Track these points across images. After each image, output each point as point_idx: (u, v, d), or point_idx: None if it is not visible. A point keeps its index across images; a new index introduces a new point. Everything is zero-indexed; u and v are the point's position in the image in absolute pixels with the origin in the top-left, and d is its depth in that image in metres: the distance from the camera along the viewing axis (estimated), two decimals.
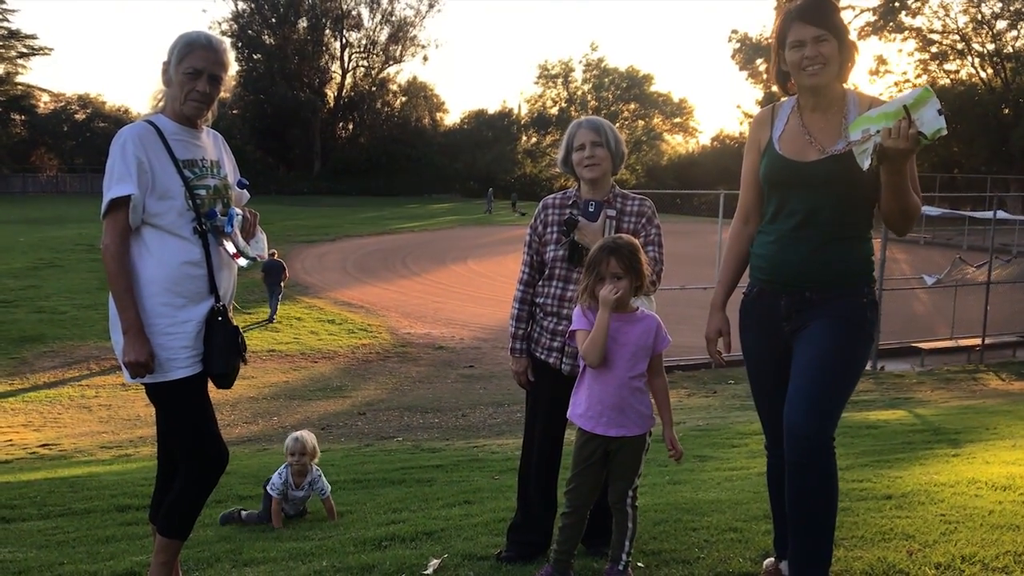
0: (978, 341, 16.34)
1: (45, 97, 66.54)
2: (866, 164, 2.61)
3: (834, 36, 2.77)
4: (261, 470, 5.76)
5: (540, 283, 3.66)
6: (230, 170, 3.37)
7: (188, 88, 3.10)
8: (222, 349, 3.14)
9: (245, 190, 3.44)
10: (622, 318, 3.10)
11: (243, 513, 5.11)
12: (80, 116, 67.19)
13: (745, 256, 3.13)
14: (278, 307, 19.65)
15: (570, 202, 3.64)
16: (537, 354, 3.68)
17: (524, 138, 74.37)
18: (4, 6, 60.90)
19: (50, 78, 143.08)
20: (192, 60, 3.08)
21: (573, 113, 74.07)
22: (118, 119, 61.44)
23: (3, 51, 62.34)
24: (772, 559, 3.26)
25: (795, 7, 2.84)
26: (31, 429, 11.53)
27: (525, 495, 3.77)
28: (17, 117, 64.73)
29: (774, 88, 3.08)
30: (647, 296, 3.39)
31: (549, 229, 3.63)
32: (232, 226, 3.20)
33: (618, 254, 3.06)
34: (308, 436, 5.24)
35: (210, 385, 3.25)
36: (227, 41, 3.33)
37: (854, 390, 2.91)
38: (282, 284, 19.65)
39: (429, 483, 6.25)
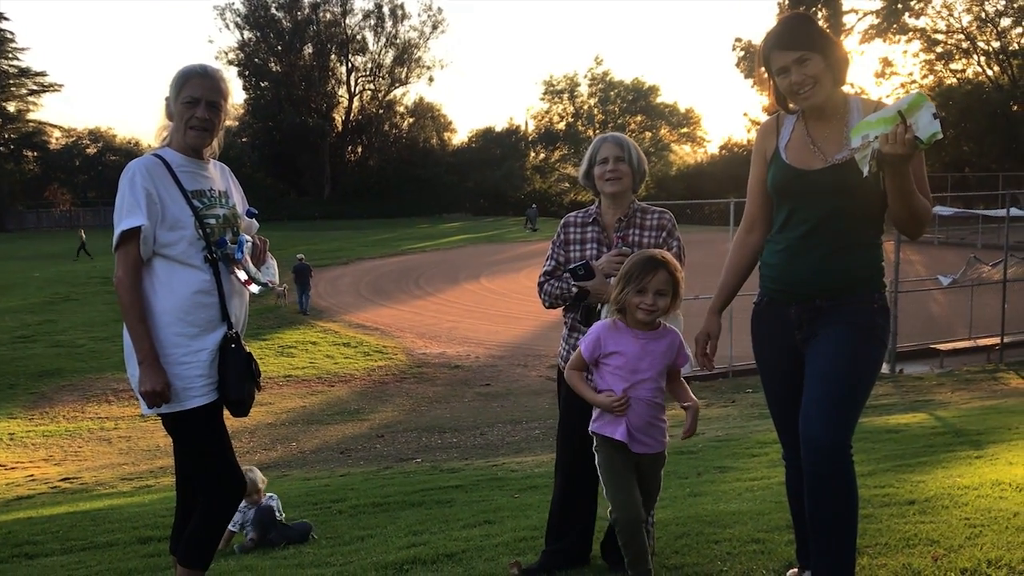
0: (997, 340, 16.20)
1: (56, 133, 67.16)
2: (866, 170, 2.61)
3: (816, 51, 2.74)
4: (281, 496, 5.75)
5: None
6: (238, 200, 3.40)
7: (187, 116, 3.15)
8: (236, 376, 3.16)
9: (254, 220, 3.46)
10: (647, 336, 3.04)
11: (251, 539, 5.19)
12: (91, 150, 67.74)
13: (747, 265, 3.12)
14: (309, 301, 23.45)
15: (591, 219, 3.64)
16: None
17: (532, 154, 74.44)
18: (14, 45, 61.68)
19: (61, 114, 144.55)
20: (189, 89, 3.14)
21: (580, 127, 74.17)
22: (129, 152, 61.92)
23: (14, 89, 63.03)
24: (795, 570, 3.23)
25: (770, 35, 2.83)
26: (52, 463, 11.59)
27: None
28: (29, 154, 65.36)
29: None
30: (675, 313, 3.38)
31: (571, 247, 3.64)
32: (242, 253, 3.22)
33: (668, 268, 2.98)
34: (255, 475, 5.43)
35: (227, 414, 3.26)
36: (225, 70, 3.37)
37: (869, 396, 2.89)
38: (310, 282, 23.68)
39: (449, 504, 6.24)
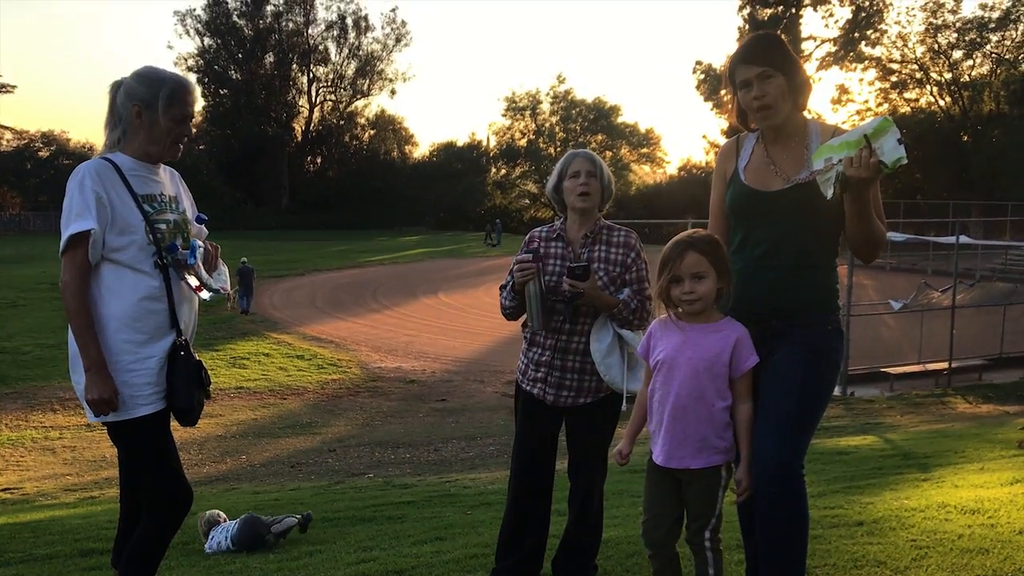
0: (945, 365, 16.50)
1: (8, 135, 65.83)
2: (829, 192, 2.63)
3: (779, 70, 2.79)
4: (229, 510, 5.64)
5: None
6: (188, 206, 3.36)
7: (177, 133, 3.13)
8: (185, 384, 3.11)
9: (203, 226, 3.41)
10: (695, 328, 2.82)
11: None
12: (44, 153, 66.45)
13: None
14: (251, 302, 24.39)
15: (556, 235, 3.62)
16: (523, 385, 3.65)
17: (493, 170, 74.54)
18: None
19: (13, 116, 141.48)
20: (181, 107, 3.12)
21: (542, 144, 74.47)
22: (83, 156, 60.41)
23: None
24: None
25: (738, 49, 2.88)
26: None
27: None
28: None
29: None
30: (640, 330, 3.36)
31: None
32: (195, 259, 3.18)
33: (697, 247, 2.78)
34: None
35: (175, 424, 3.20)
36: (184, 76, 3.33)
37: (821, 418, 2.91)
38: (253, 285, 24.54)
39: (400, 520, 6.16)
